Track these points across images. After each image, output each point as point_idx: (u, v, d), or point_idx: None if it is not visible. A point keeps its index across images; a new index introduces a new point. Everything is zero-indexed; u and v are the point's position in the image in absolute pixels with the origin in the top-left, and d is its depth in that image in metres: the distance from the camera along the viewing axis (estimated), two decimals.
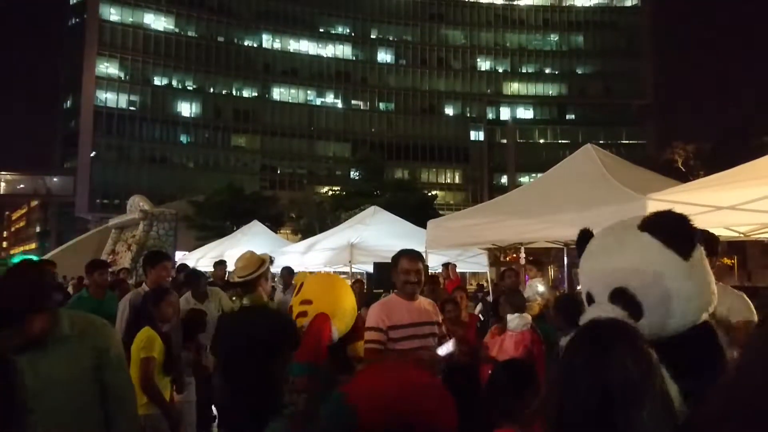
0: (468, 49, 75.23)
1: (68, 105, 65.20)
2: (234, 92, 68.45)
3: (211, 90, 67.32)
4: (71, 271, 17.47)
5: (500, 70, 75.73)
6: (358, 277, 12.20)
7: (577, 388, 1.26)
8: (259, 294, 3.82)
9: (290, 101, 70.12)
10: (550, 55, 76.07)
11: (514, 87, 76.21)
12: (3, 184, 67.98)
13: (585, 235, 2.15)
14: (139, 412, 2.94)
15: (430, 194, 47.15)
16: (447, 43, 75.29)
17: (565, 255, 9.32)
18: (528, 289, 7.04)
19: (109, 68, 63.04)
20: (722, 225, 5.53)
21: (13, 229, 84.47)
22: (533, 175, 48.61)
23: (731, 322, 3.19)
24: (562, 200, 6.36)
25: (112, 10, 63.48)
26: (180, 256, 20.44)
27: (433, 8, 74.58)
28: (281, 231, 36.26)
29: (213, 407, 5.86)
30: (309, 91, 71.06)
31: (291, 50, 70.65)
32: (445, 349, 3.66)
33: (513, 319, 4.88)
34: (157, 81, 65.26)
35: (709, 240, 3.22)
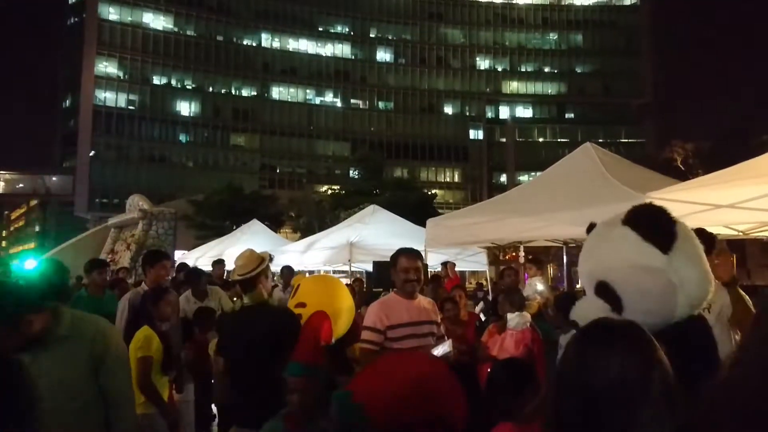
0: (467, 48, 75.22)
1: (67, 104, 65.12)
2: (233, 91, 68.41)
3: (210, 89, 67.29)
4: (70, 271, 17.43)
5: (499, 69, 75.71)
6: (358, 276, 12.21)
7: (570, 387, 1.25)
8: (260, 292, 3.83)
9: (289, 100, 70.10)
10: (549, 54, 76.05)
11: (513, 86, 76.20)
12: (2, 183, 67.91)
13: (591, 230, 2.17)
14: (137, 411, 2.93)
15: (429, 193, 47.23)
16: (446, 42, 75.25)
17: (565, 253, 9.33)
18: (527, 287, 7.05)
19: (108, 67, 63.00)
20: (721, 223, 5.53)
21: (12, 228, 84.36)
22: (532, 173, 48.62)
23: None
24: (562, 199, 6.36)
25: (111, 10, 63.41)
26: (179, 256, 20.45)
27: (432, 7, 74.54)
28: (281, 230, 36.28)
29: (213, 406, 5.86)
30: (308, 90, 71.02)
31: (290, 49, 70.60)
32: (440, 349, 3.64)
33: (513, 318, 4.88)
34: (156, 80, 65.21)
35: (704, 238, 3.22)
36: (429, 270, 9.42)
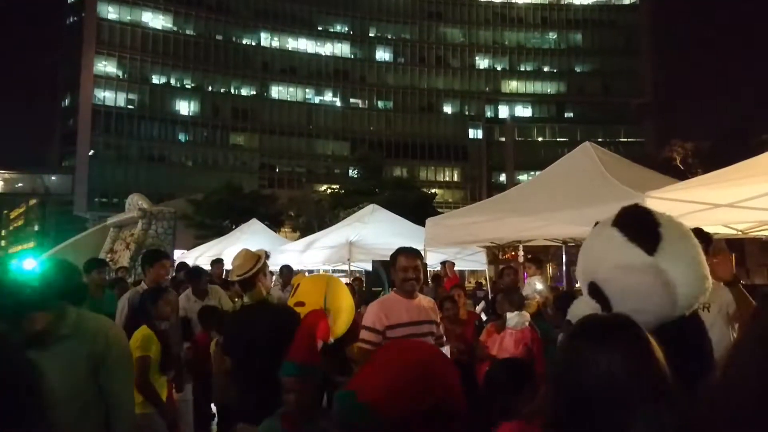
0: (466, 47, 75.22)
1: (66, 103, 65.07)
2: (232, 91, 68.39)
3: (210, 88, 67.26)
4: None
5: (499, 69, 75.72)
6: (357, 275, 12.21)
7: (563, 385, 1.25)
8: (259, 290, 3.83)
9: (289, 100, 70.10)
10: (549, 54, 76.06)
11: (512, 85, 76.21)
12: (1, 182, 67.86)
13: None
14: (135, 411, 2.93)
15: (428, 192, 47.23)
16: (445, 41, 75.24)
17: (564, 253, 9.33)
18: (527, 287, 7.05)
19: (107, 67, 62.98)
20: (720, 222, 5.53)
21: (11, 227, 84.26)
22: (532, 173, 48.59)
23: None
24: (561, 198, 6.35)
25: (110, 9, 63.40)
26: (178, 255, 20.42)
27: (431, 6, 74.54)
28: (280, 230, 36.27)
29: (212, 406, 5.85)
30: (307, 90, 71.01)
31: (289, 49, 70.60)
32: None
33: (512, 317, 4.89)
34: (156, 79, 65.17)
35: (700, 238, 3.22)
36: (429, 269, 9.44)
